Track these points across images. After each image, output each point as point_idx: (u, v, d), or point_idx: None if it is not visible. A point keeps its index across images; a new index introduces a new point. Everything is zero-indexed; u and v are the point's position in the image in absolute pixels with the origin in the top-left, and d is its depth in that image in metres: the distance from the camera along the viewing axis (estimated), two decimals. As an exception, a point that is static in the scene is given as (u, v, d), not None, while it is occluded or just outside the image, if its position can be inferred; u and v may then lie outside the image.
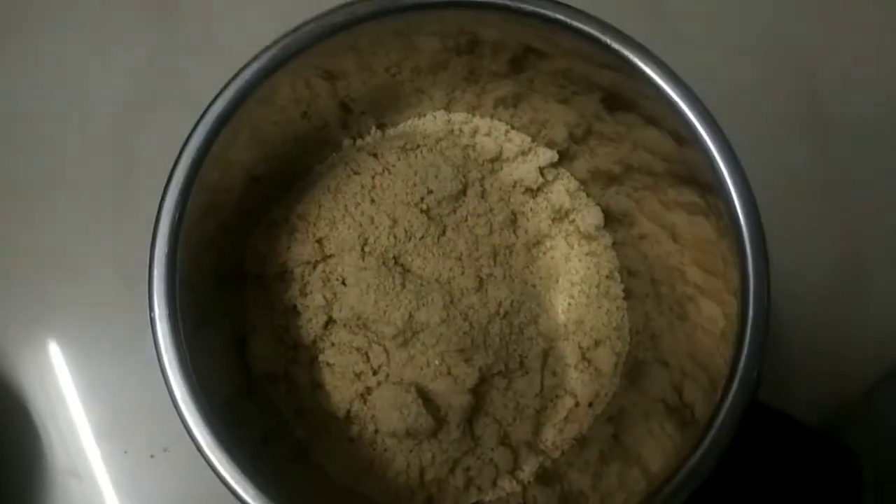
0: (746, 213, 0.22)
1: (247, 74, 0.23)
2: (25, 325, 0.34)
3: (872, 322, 0.35)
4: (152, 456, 0.32)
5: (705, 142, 0.22)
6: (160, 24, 0.36)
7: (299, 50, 0.23)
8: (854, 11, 0.37)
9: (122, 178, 0.35)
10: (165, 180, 0.22)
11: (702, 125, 0.23)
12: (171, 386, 0.21)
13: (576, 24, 0.23)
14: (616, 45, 0.23)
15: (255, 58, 0.23)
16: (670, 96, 0.23)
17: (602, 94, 0.26)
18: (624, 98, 0.25)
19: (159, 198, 0.22)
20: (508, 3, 0.23)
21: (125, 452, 0.33)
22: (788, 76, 0.37)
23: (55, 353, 0.34)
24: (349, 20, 0.23)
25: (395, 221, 0.28)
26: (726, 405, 0.21)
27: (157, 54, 0.36)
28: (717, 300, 0.24)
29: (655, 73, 0.23)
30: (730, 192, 0.22)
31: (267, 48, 0.23)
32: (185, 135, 0.23)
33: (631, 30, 0.23)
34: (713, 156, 0.22)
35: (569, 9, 0.23)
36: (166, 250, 0.21)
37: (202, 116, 0.23)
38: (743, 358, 0.22)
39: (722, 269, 0.24)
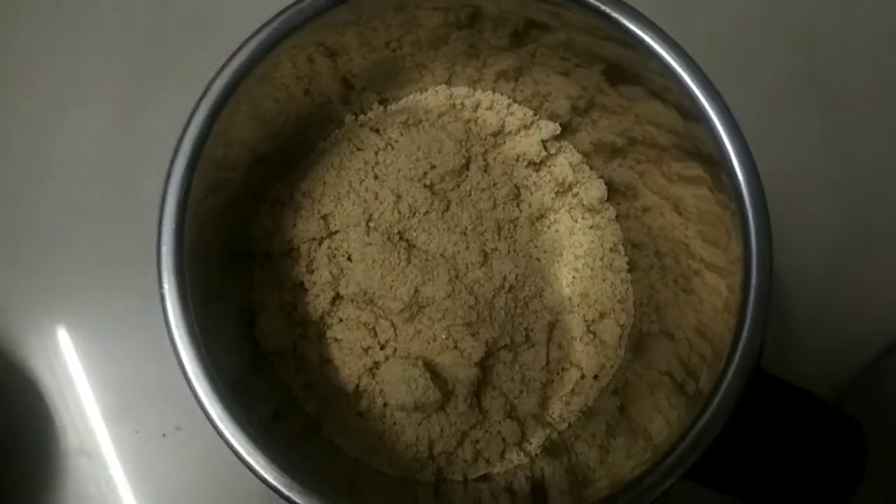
0: (749, 185, 0.22)
1: (247, 50, 0.23)
2: (34, 308, 0.34)
3: (876, 294, 0.35)
4: (164, 435, 0.33)
5: (709, 115, 0.22)
6: (161, 3, 0.36)
7: (299, 24, 0.23)
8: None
9: (124, 160, 0.35)
10: (168, 160, 0.22)
11: (706, 99, 0.22)
12: (182, 360, 0.21)
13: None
14: (620, 18, 0.23)
15: (256, 33, 0.23)
16: (674, 69, 0.23)
17: (604, 66, 0.26)
18: (628, 71, 0.25)
19: (163, 176, 0.22)
20: (510, -26, 0.23)
21: (136, 432, 0.33)
22: (793, 48, 0.36)
23: (63, 335, 0.34)
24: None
25: (399, 197, 0.28)
26: (729, 374, 0.22)
27: (157, 32, 0.36)
28: (722, 273, 0.24)
29: (660, 45, 0.23)
30: (733, 166, 0.22)
31: (267, 23, 0.23)
32: (187, 113, 0.22)
33: (635, 3, 0.23)
34: (717, 130, 0.22)
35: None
36: (174, 226, 0.21)
37: (204, 93, 0.23)
38: (746, 327, 0.22)
39: (726, 242, 0.24)
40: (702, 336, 0.25)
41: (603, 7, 0.23)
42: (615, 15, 0.23)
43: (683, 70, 0.23)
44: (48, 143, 0.35)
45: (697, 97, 0.23)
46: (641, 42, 0.23)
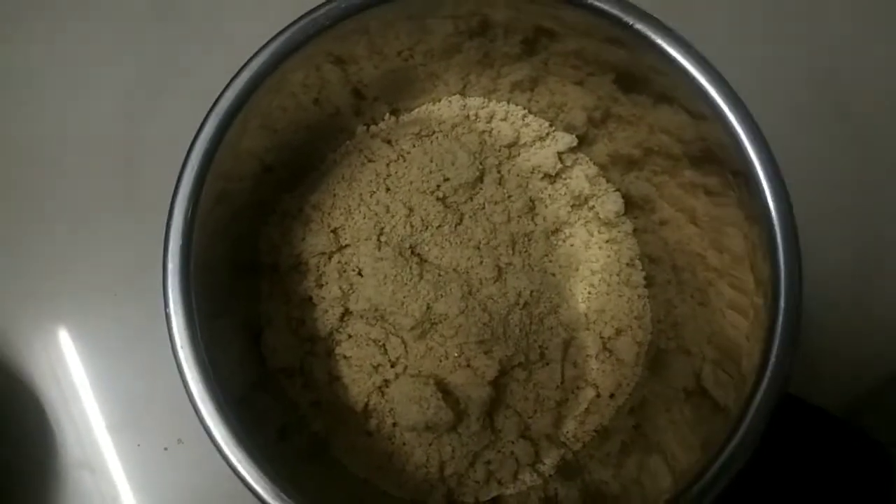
0: (777, 203, 0.22)
1: (257, 62, 0.23)
2: (37, 317, 0.34)
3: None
4: (166, 448, 0.32)
5: (728, 119, 0.22)
6: (168, 12, 0.36)
7: (309, 37, 0.23)
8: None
9: (132, 167, 0.35)
10: (175, 168, 0.22)
11: (724, 101, 0.22)
12: (187, 382, 0.20)
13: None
14: (628, 19, 0.22)
15: (265, 46, 0.23)
16: (688, 70, 0.22)
17: (614, 74, 0.26)
18: (637, 76, 0.25)
19: (170, 186, 0.22)
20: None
21: (138, 445, 0.32)
22: (812, 61, 0.36)
23: (67, 344, 0.33)
24: (358, 5, 0.23)
25: (411, 210, 0.27)
26: (757, 399, 0.21)
27: (168, 41, 0.36)
28: (738, 281, 0.24)
29: (671, 46, 0.22)
30: (759, 178, 0.22)
31: (276, 36, 0.23)
32: (194, 123, 0.22)
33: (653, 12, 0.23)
34: (738, 135, 0.22)
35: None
36: (180, 243, 0.21)
37: (214, 105, 0.22)
38: (774, 352, 0.21)
39: (743, 247, 0.23)
40: (719, 349, 0.25)
41: (609, 8, 0.22)
42: (624, 17, 0.22)
43: (698, 71, 0.22)
44: (55, 148, 0.35)
45: (715, 99, 0.22)
46: (650, 42, 0.22)
